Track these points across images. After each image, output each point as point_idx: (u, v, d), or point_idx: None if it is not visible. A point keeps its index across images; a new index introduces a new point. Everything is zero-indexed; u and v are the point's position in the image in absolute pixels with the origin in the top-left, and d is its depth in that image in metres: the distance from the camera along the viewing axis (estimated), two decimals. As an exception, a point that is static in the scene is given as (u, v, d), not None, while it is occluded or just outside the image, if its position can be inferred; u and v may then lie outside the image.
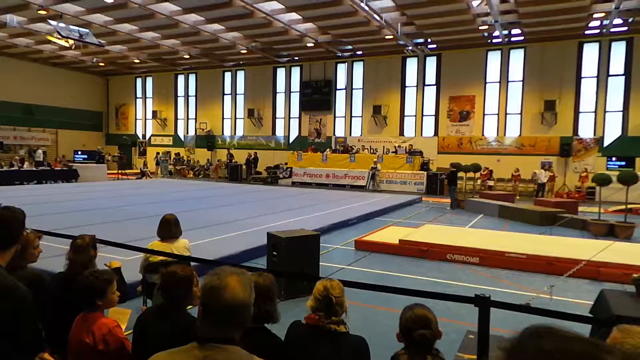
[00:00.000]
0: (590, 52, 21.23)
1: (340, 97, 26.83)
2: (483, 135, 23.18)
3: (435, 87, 24.36)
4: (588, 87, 21.40)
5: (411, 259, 7.87)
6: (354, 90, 26.49)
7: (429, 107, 24.56)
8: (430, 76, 24.57)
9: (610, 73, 20.98)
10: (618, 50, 20.82)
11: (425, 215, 13.68)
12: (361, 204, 14.68)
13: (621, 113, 20.83)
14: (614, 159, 20.36)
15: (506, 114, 22.82)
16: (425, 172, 21.12)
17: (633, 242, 9.44)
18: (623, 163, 19.93)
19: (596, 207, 11.84)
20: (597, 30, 20.42)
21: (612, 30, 20.04)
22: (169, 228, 4.38)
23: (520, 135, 22.42)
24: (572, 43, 21.20)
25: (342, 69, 26.75)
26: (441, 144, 23.90)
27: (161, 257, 3.99)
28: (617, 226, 10.36)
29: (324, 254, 7.88)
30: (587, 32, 20.68)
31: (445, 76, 23.89)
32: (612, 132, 20.94)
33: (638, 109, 20.10)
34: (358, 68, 26.34)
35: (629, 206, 13.52)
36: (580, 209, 13.99)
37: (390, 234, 9.27)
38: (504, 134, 22.78)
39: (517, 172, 20.60)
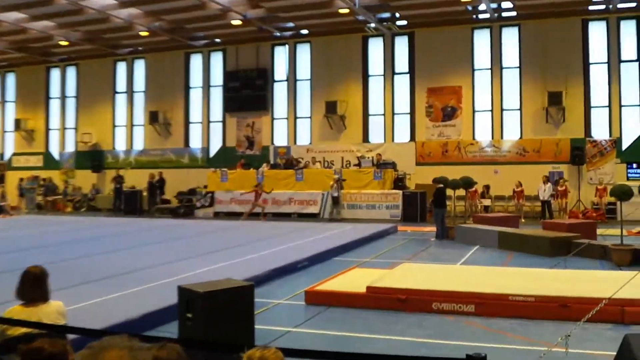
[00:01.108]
0: (597, 32, 22.70)
1: (280, 92, 27.06)
2: (474, 138, 24.04)
3: (408, 75, 25.10)
4: (598, 76, 22.76)
5: (384, 312, 7.93)
6: (298, 83, 26.82)
7: (402, 103, 25.23)
8: (402, 62, 25.32)
9: (623, 58, 22.45)
10: (628, 31, 22.41)
11: (402, 251, 13.85)
12: (314, 240, 14.69)
13: (639, 108, 22.25)
14: (634, 165, 21.61)
15: (502, 110, 23.83)
16: (401, 192, 21.55)
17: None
18: (647, 171, 21.23)
19: (618, 229, 12.48)
20: (603, 6, 21.83)
21: (619, 6, 21.47)
22: (35, 286, 4.31)
23: (521, 137, 23.44)
24: (574, 21, 22.57)
25: (281, 54, 27.04)
26: (420, 151, 24.53)
27: (24, 329, 3.88)
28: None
29: (262, 312, 7.80)
30: (590, 7, 22.08)
31: (420, 62, 24.68)
32: (631, 131, 22.33)
33: (660, 102, 21.56)
34: (303, 52, 26.73)
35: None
36: (599, 231, 14.68)
37: (354, 280, 9.31)
38: (501, 137, 23.75)
39: (519, 187, 21.48)
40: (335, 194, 21.37)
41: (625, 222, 15.37)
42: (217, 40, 27.06)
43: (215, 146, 27.95)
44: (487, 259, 12.51)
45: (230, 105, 27.33)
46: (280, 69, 26.98)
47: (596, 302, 6.80)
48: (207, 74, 28.14)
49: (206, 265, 10.49)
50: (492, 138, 23.76)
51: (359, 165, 23.52)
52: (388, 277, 9.10)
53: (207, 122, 28.12)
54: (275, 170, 23.90)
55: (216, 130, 27.98)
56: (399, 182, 22.22)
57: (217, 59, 28.02)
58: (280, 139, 27.00)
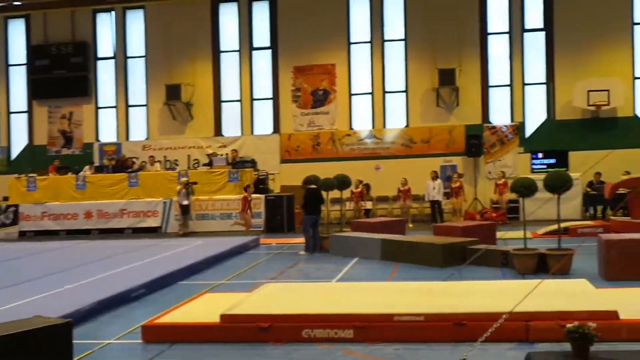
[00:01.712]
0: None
1: (107, 72, 26.44)
2: (351, 128, 24.70)
3: (270, 51, 25.29)
4: (498, 49, 24.31)
5: (243, 346, 7.85)
6: (130, 61, 26.30)
7: (263, 85, 25.40)
8: (262, 34, 25.47)
9: (527, 27, 24.15)
10: (533, -8, 24.17)
11: (266, 269, 13.84)
12: (154, 261, 14.37)
13: (544, 86, 24.06)
14: (540, 155, 23.35)
15: (384, 92, 24.69)
16: (263, 196, 21.64)
17: (571, 278, 10.68)
18: (552, 161, 22.95)
19: (521, 231, 13.28)
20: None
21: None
22: None
23: (407, 125, 24.43)
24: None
25: (105, 23, 26.33)
26: (286, 146, 24.80)
27: None
28: (549, 256, 11.70)
29: (87, 356, 7.55)
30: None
31: (285, 33, 24.97)
32: (535, 115, 24.09)
33: (566, 80, 23.46)
34: (135, 21, 26.18)
35: (563, 225, 15.49)
36: (499, 234, 15.53)
37: (205, 308, 9.19)
38: (384, 125, 24.59)
39: (405, 186, 22.29)
40: (185, 202, 21.01)
41: (529, 223, 16.46)
42: (17, 3, 25.73)
43: (18, 145, 26.83)
44: (368, 273, 12.76)
45: (39, 90, 26.25)
46: (106, 43, 26.33)
47: (496, 318, 7.17)
48: (3, 48, 26.71)
49: (7, 302, 9.90)
50: (373, 127, 24.59)
51: (210, 164, 23.30)
52: (247, 302, 9.06)
53: (6, 113, 26.82)
54: (100, 175, 23.16)
55: (19, 124, 26.80)
56: (260, 185, 22.30)
57: (17, 29, 26.72)
58: (108, 133, 26.36)
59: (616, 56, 23.52)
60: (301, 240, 16.85)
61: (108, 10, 26.16)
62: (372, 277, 12.16)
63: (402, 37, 24.61)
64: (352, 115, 24.84)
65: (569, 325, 4.56)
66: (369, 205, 22.85)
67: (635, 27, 23.70)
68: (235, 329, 8.16)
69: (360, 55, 24.93)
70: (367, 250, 14.61)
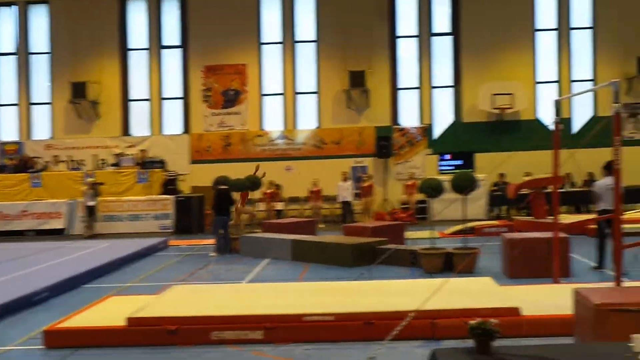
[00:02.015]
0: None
1: (7, 68, 25.65)
2: (262, 129, 24.69)
3: (180, 50, 24.98)
4: (407, 52, 24.79)
5: (151, 349, 7.75)
6: (32, 57, 25.52)
7: (172, 84, 25.06)
8: (171, 32, 25.12)
9: (434, 31, 24.72)
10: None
11: (175, 271, 13.69)
12: (57, 263, 14.03)
13: (452, 89, 24.68)
14: (447, 156, 23.95)
15: (295, 93, 24.77)
16: (172, 197, 21.39)
17: (476, 276, 11.04)
18: (459, 162, 23.63)
19: (429, 230, 13.60)
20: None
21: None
22: None
23: (318, 127, 24.59)
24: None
25: (6, 18, 25.50)
26: (196, 146, 24.56)
27: None
28: (455, 255, 12.06)
29: (-19, 364, 7.26)
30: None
31: (196, 32, 24.72)
32: (443, 117, 24.72)
33: (472, 83, 24.16)
34: (38, 16, 25.41)
35: (469, 225, 15.93)
36: (409, 234, 15.88)
37: (111, 311, 8.99)
38: (295, 126, 24.67)
39: (316, 186, 22.45)
40: (91, 203, 20.54)
41: (437, 223, 16.84)
42: None
43: None
44: (279, 273, 12.83)
45: None
46: (6, 39, 25.50)
47: (404, 317, 7.32)
48: None
49: None
50: (284, 128, 24.65)
51: (117, 164, 22.89)
52: (154, 305, 8.93)
53: None
54: (1, 175, 22.46)
55: None
56: (169, 185, 22.07)
57: None
58: (9, 132, 25.47)
59: (519, 61, 24.38)
60: (211, 241, 16.76)
61: (9, 5, 25.27)
62: (283, 277, 12.20)
63: (314, 38, 24.76)
64: (263, 116, 24.83)
65: (471, 322, 4.68)
66: (280, 206, 22.86)
67: (537, 33, 24.64)
68: (142, 333, 8.03)
69: (272, 56, 24.95)
70: (278, 251, 14.69)
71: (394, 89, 24.64)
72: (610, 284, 8.26)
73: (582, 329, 6.31)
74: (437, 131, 24.64)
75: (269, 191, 21.74)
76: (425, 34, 24.67)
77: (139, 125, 25.12)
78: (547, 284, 10.06)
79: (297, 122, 24.77)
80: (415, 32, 24.78)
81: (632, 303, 6.02)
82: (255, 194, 19.72)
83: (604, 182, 11.81)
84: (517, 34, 24.36)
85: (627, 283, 9.14)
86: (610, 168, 10.44)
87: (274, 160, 23.92)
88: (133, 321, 8.18)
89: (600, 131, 9.11)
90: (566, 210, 21.50)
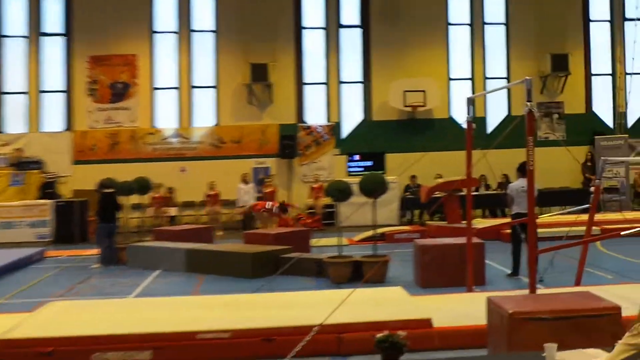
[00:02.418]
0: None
1: None
2: (154, 126, 24.26)
3: (64, 38, 24.28)
4: (314, 44, 24.91)
5: (22, 373, 7.49)
6: None
7: (53, 75, 24.32)
8: (53, 19, 24.31)
9: (343, 22, 24.95)
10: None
11: (53, 285, 13.30)
12: None
13: (361, 85, 24.97)
14: (356, 157, 24.17)
15: (192, 87, 24.49)
16: (52, 202, 20.82)
17: (386, 285, 11.23)
18: (369, 163, 23.87)
19: (336, 237, 13.66)
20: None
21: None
22: None
23: (217, 124, 24.37)
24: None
25: None
26: (80, 144, 23.90)
27: None
28: (364, 263, 12.11)
29: None
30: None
31: (80, 19, 24.00)
32: (352, 115, 24.96)
33: (382, 79, 24.46)
34: None
35: (379, 231, 16.09)
36: (315, 241, 15.93)
37: (-23, 331, 8.64)
38: (191, 124, 24.38)
39: (213, 189, 22.27)
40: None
41: (345, 229, 16.93)
42: None
43: None
44: (171, 287, 12.65)
45: None
46: None
47: (307, 331, 7.29)
48: None
49: None
50: (179, 125, 24.29)
51: (-11, 165, 22.12)
52: (27, 324, 8.60)
53: None
54: None
55: None
56: (48, 189, 21.48)
57: None
58: None
59: (432, 57, 24.87)
60: (95, 251, 16.35)
61: None
62: (175, 291, 12.02)
63: (212, 27, 24.50)
64: (155, 112, 24.37)
65: (378, 335, 4.70)
66: (173, 211, 22.51)
67: (451, 27, 25.22)
68: (12, 356, 7.71)
69: (165, 46, 24.55)
70: (170, 262, 14.43)
71: (300, 84, 24.68)
72: (525, 292, 8.48)
73: (496, 338, 6.45)
74: (346, 130, 24.82)
75: (157, 195, 21.33)
76: (333, 25, 24.83)
77: (14, 121, 24.19)
78: (461, 293, 10.29)
79: (193, 119, 24.43)
80: (322, 23, 24.90)
81: (546, 311, 6.20)
82: (144, 199, 19.31)
83: (517, 184, 12.18)
84: (430, 28, 24.83)
85: (542, 290, 9.43)
86: (523, 170, 10.75)
87: (167, 160, 23.51)
88: (3, 343, 7.86)
89: (513, 131, 9.33)
90: (481, 214, 22.10)
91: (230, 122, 24.28)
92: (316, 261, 12.98)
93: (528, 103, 8.07)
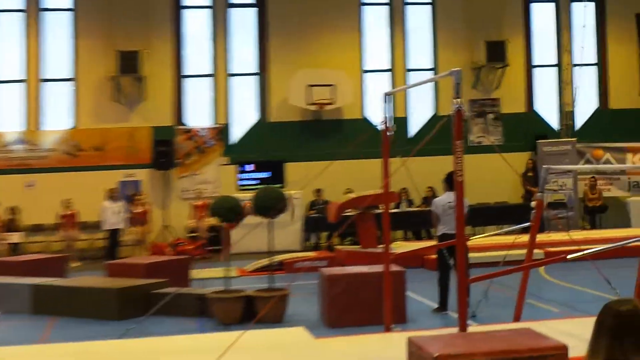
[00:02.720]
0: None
1: None
2: (-7, 130, 23.63)
3: None
4: (197, 27, 24.79)
5: None
6: None
7: None
8: None
9: (233, 1, 24.92)
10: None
11: None
12: None
13: (256, 78, 25.01)
14: (249, 167, 23.96)
15: (41, 81, 23.97)
16: None
17: (285, 326, 11.16)
18: (266, 174, 23.69)
19: (223, 267, 13.52)
20: None
21: None
22: None
23: (74, 127, 23.87)
24: None
25: None
26: None
27: None
28: (258, 299, 11.97)
29: None
30: None
31: None
32: (244, 115, 24.92)
33: (282, 70, 24.42)
34: None
35: (277, 258, 16.00)
36: (195, 273, 15.73)
37: None
38: (39, 127, 23.85)
39: (69, 209, 21.66)
40: None
41: (235, 257, 16.72)
42: None
43: None
44: (12, 333, 12.25)
45: None
46: None
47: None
48: None
49: None
50: (26, 128, 23.78)
51: None
52: None
53: None
54: None
55: None
56: None
57: None
58: None
59: (343, 43, 25.04)
60: None
61: None
62: (17, 339, 11.53)
63: (69, 5, 24.03)
64: (-7, 113, 23.79)
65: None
66: (16, 237, 21.86)
67: (365, 7, 25.46)
68: None
69: (9, 28, 24.00)
70: (11, 302, 14.02)
71: (179, 77, 24.46)
72: (454, 330, 8.52)
73: (418, 388, 6.45)
74: (236, 134, 24.74)
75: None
76: (221, 4, 24.70)
77: None
78: (377, 333, 10.29)
79: (43, 120, 23.92)
80: (207, 1, 24.79)
81: (479, 353, 6.23)
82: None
83: (444, 199, 12.31)
84: (340, 8, 24.92)
85: (474, 327, 9.51)
86: (451, 181, 10.81)
87: (9, 173, 22.87)
88: None
89: (439, 134, 9.33)
90: (402, 237, 22.26)
91: (90, 124, 23.84)
92: (198, 297, 12.82)
93: (456, 100, 8.06)
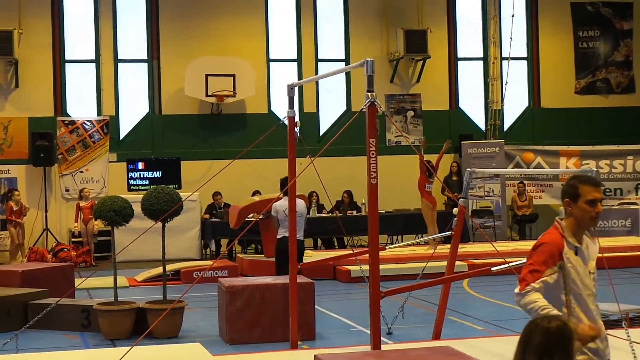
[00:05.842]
0: None
1: None
2: None
3: None
4: (79, 5, 24.57)
5: None
6: None
7: None
8: None
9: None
10: None
11: None
12: None
13: (146, 65, 24.91)
14: (140, 165, 23.82)
15: None
16: None
17: (181, 341, 11.32)
18: (158, 173, 23.49)
19: (111, 277, 13.52)
20: None
21: None
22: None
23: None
24: None
25: None
26: None
27: None
28: (150, 312, 12.01)
29: None
30: None
31: None
32: (134, 106, 24.86)
33: (176, 57, 24.41)
34: None
35: (173, 267, 16.05)
36: (79, 282, 15.40)
37: None
38: None
39: None
40: None
41: (124, 265, 16.71)
42: None
43: None
44: None
45: None
46: None
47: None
48: None
49: None
50: None
51: None
52: None
53: None
54: None
55: None
56: None
57: None
58: None
59: (245, 28, 25.03)
60: None
61: None
62: None
63: None
64: None
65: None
66: None
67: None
68: None
69: None
70: None
71: (59, 62, 24.14)
72: (367, 348, 8.67)
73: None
74: (125, 127, 24.59)
75: None
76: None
77: None
78: (282, 351, 10.43)
79: None
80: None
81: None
82: None
83: (283, 204, 12.71)
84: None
85: (389, 345, 9.74)
86: (286, 185, 11.10)
87: None
88: None
89: (353, 132, 9.50)
90: (311, 245, 22.34)
91: (-45, 114, 23.46)
92: (82, 309, 12.80)
93: (369, 93, 8.01)
